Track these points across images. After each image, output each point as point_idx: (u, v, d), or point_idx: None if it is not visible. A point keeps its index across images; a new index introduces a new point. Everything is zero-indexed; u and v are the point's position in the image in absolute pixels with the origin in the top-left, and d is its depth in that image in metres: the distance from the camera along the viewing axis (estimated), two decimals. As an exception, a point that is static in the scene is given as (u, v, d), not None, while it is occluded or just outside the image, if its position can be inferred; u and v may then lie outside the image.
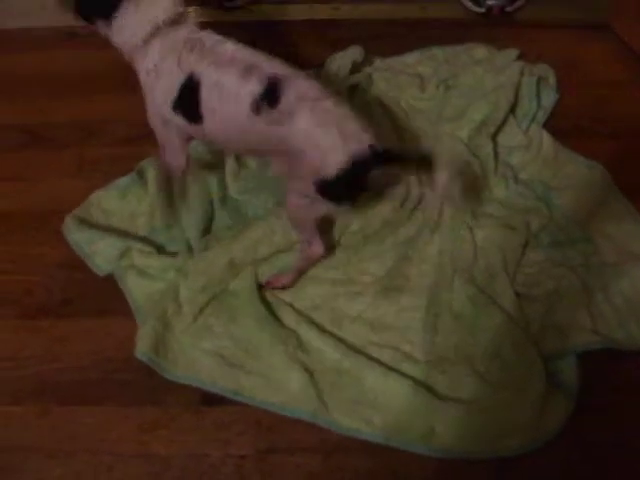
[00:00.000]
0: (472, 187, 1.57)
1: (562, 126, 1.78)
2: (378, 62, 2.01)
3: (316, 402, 1.18)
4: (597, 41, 2.13)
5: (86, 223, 1.50)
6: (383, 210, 1.50)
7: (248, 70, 1.18)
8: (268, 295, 1.36)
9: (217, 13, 2.30)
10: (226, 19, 2.30)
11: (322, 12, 2.29)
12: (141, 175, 1.61)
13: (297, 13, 2.29)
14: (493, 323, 1.28)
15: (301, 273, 1.38)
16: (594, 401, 1.18)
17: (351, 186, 1.22)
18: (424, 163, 1.22)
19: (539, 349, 1.23)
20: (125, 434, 1.18)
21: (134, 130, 1.74)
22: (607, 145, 1.72)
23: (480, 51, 2.03)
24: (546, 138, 1.71)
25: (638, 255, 1.39)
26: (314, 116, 1.16)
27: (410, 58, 2.04)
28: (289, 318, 1.31)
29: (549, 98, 1.85)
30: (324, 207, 1.26)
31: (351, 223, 1.50)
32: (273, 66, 1.20)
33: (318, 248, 1.35)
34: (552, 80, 1.92)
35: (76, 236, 1.48)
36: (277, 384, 1.21)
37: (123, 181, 1.60)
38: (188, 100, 1.22)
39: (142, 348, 1.26)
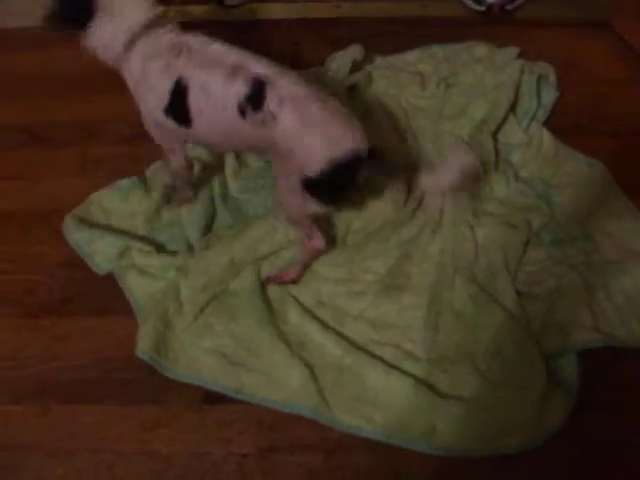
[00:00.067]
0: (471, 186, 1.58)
1: (562, 124, 1.78)
2: (379, 60, 2.01)
3: (317, 398, 1.18)
4: (597, 39, 2.13)
5: (86, 222, 1.50)
6: (385, 209, 1.50)
7: (234, 71, 1.18)
8: (273, 291, 1.36)
9: (217, 11, 2.30)
10: (226, 17, 2.30)
11: (323, 10, 2.29)
12: (144, 180, 1.61)
13: (298, 11, 2.29)
14: (494, 321, 1.28)
15: (306, 267, 1.39)
16: (595, 399, 1.18)
17: (334, 188, 1.23)
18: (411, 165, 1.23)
19: (540, 347, 1.23)
20: (126, 433, 1.18)
21: (135, 129, 1.72)
22: (607, 143, 1.72)
23: (480, 49, 2.03)
24: (546, 136, 1.71)
25: (639, 253, 1.39)
26: (297, 119, 1.16)
27: (410, 56, 2.04)
28: (294, 313, 1.31)
29: (549, 96, 1.85)
30: (313, 205, 1.26)
31: (354, 222, 1.51)
32: (259, 66, 1.19)
33: (318, 242, 1.35)
34: (552, 78, 1.92)
35: (76, 235, 1.48)
36: (278, 381, 1.21)
37: (126, 183, 1.60)
38: (178, 104, 1.23)
39: (143, 347, 1.25)
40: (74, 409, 1.22)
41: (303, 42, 2.16)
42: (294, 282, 1.38)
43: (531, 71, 1.90)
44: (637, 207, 1.51)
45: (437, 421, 1.14)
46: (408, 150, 1.68)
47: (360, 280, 1.39)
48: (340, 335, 1.28)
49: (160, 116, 1.27)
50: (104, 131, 1.82)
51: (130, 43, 1.23)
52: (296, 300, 1.35)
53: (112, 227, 1.51)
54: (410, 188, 1.55)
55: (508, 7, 2.21)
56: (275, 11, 2.30)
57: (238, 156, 1.64)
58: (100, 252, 1.44)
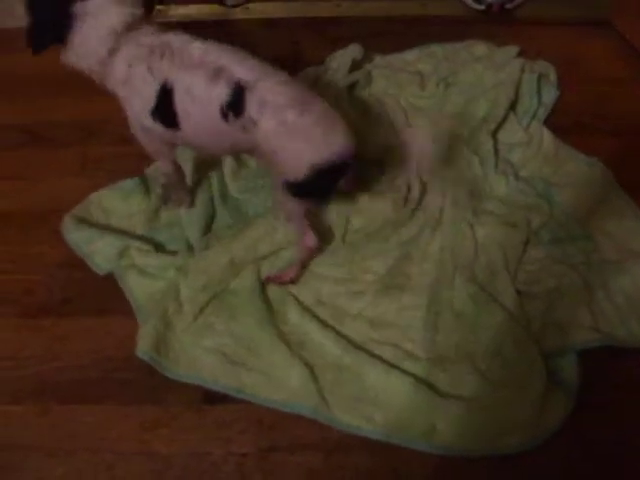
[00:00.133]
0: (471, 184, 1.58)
1: (563, 123, 1.78)
2: (378, 59, 2.01)
3: (317, 398, 1.18)
4: (598, 38, 2.12)
5: (85, 222, 1.50)
6: (385, 209, 1.50)
7: (217, 73, 1.17)
8: (272, 290, 1.36)
9: (217, 11, 2.30)
10: (226, 17, 2.30)
11: (323, 9, 2.29)
12: (145, 182, 1.61)
13: (298, 10, 2.29)
14: (494, 321, 1.28)
15: (304, 266, 1.39)
16: (595, 399, 1.18)
17: (320, 189, 1.25)
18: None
19: (540, 347, 1.23)
20: (126, 433, 1.18)
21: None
22: (608, 142, 1.72)
23: (480, 48, 2.02)
24: (546, 135, 1.70)
25: (639, 252, 1.39)
26: (277, 125, 1.16)
27: (410, 55, 2.04)
28: (293, 312, 1.31)
29: (550, 95, 1.85)
30: (296, 204, 1.28)
31: (354, 221, 1.50)
32: (241, 69, 1.17)
33: (310, 240, 1.35)
34: (553, 77, 1.91)
35: (75, 235, 1.48)
36: (278, 381, 1.21)
37: (127, 184, 1.60)
38: (165, 107, 1.22)
39: (143, 347, 1.26)
40: (74, 409, 1.22)
41: (303, 41, 2.16)
42: (293, 282, 1.38)
43: (531, 70, 1.89)
44: (638, 206, 1.50)
45: (437, 420, 1.14)
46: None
47: (360, 280, 1.39)
48: (340, 335, 1.28)
49: (147, 120, 1.26)
50: (104, 131, 1.82)
51: (114, 47, 1.21)
52: (296, 300, 1.35)
53: (111, 227, 1.51)
54: (410, 188, 1.55)
55: (508, 6, 2.21)
56: (275, 10, 2.30)
57: (237, 157, 1.64)
58: (100, 252, 1.44)
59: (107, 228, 1.50)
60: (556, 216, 1.50)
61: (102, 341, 1.31)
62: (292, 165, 1.18)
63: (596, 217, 1.48)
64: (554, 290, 1.33)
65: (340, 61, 1.95)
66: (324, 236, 1.46)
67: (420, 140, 1.27)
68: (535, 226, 1.47)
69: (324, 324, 1.30)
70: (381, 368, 1.21)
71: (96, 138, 1.81)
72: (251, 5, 2.30)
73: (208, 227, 1.52)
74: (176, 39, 1.22)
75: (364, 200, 1.52)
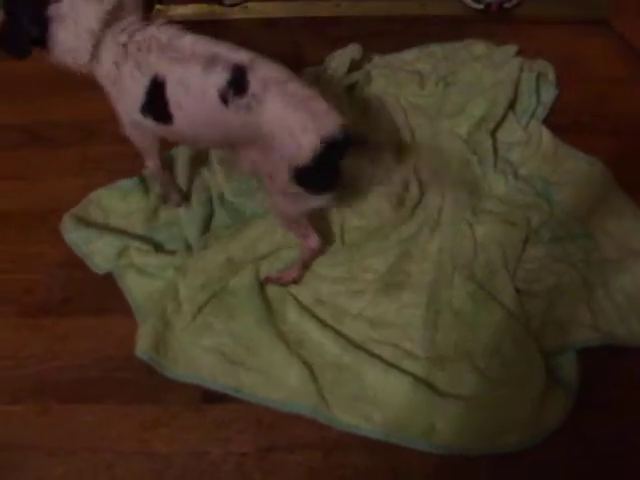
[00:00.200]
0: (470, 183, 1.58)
1: (562, 122, 1.78)
2: (377, 59, 2.01)
3: (316, 397, 1.18)
4: (597, 37, 2.12)
5: (84, 222, 1.50)
6: (385, 208, 1.50)
7: (211, 61, 1.16)
8: (272, 290, 1.36)
9: (217, 10, 2.30)
10: (225, 16, 2.30)
11: (322, 9, 2.29)
12: (144, 181, 1.61)
13: (297, 10, 2.29)
14: (493, 319, 1.28)
15: (305, 266, 1.39)
16: (595, 397, 1.18)
17: (327, 169, 1.19)
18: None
19: (539, 345, 1.23)
20: (126, 432, 1.18)
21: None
22: (607, 141, 1.72)
23: (479, 47, 2.03)
24: (545, 134, 1.71)
25: (638, 251, 1.39)
26: (283, 99, 1.14)
27: (409, 55, 2.04)
28: (292, 311, 1.31)
29: (549, 94, 1.85)
30: (307, 201, 1.24)
31: (353, 220, 1.51)
32: (237, 54, 1.17)
33: (313, 241, 1.35)
34: (551, 76, 1.92)
35: (74, 235, 1.48)
36: (277, 380, 1.21)
37: (126, 183, 1.60)
38: (156, 101, 1.21)
39: (142, 347, 1.26)
40: (74, 408, 1.22)
41: (302, 41, 2.16)
42: (295, 282, 1.38)
43: (530, 69, 1.89)
44: (637, 205, 1.50)
45: (436, 419, 1.14)
46: (406, 149, 1.69)
47: (359, 279, 1.39)
48: (339, 334, 1.28)
49: (138, 116, 1.25)
50: (104, 131, 1.82)
51: (96, 42, 1.20)
52: (295, 299, 1.35)
53: (110, 226, 1.52)
54: (409, 186, 1.55)
55: (506, 5, 2.21)
56: (274, 10, 2.30)
57: (227, 161, 1.62)
58: (99, 252, 1.44)
59: (106, 228, 1.50)
60: (556, 215, 1.50)
61: (102, 340, 1.32)
62: (299, 141, 1.14)
63: (596, 216, 1.48)
64: (554, 288, 1.33)
65: (339, 61, 1.95)
66: (324, 235, 1.46)
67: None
68: (535, 225, 1.47)
69: (323, 323, 1.30)
70: (380, 367, 1.21)
71: (96, 138, 1.81)
72: (250, 4, 2.30)
73: (207, 227, 1.51)
74: (163, 32, 1.21)
75: (363, 199, 1.52)
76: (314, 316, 1.31)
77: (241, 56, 1.17)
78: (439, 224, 1.47)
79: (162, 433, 1.18)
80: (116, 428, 1.19)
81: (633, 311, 1.28)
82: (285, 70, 1.19)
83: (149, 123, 1.26)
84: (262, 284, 1.37)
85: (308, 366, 1.22)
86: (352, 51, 1.97)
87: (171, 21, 1.26)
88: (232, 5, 2.30)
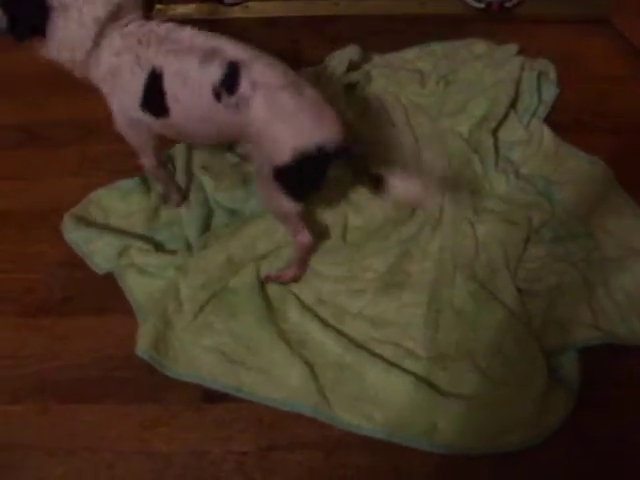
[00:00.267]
0: (472, 182, 1.58)
1: (563, 121, 1.78)
2: (376, 58, 2.01)
3: (317, 397, 1.18)
4: (597, 36, 2.12)
5: (84, 221, 1.50)
6: (385, 207, 1.50)
7: (209, 55, 1.16)
8: (272, 289, 1.36)
9: (217, 9, 2.30)
10: (226, 15, 2.30)
11: (322, 8, 2.29)
12: (145, 181, 1.61)
13: (297, 9, 2.29)
14: (494, 319, 1.28)
15: (302, 263, 1.38)
16: (596, 396, 1.18)
17: (304, 181, 1.21)
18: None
19: (541, 344, 1.23)
20: (126, 432, 1.18)
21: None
22: (608, 140, 1.72)
23: (480, 46, 2.03)
24: (547, 133, 1.70)
25: (639, 250, 1.39)
26: (268, 105, 1.14)
27: (410, 54, 2.04)
28: (293, 311, 1.31)
29: (550, 93, 1.85)
30: (285, 201, 1.24)
31: (354, 220, 1.50)
32: (235, 50, 1.17)
33: (304, 237, 1.34)
34: (552, 75, 1.92)
35: (74, 235, 1.48)
36: (278, 379, 1.21)
37: (126, 183, 1.60)
38: (154, 95, 1.20)
39: (143, 346, 1.25)
40: (74, 408, 1.22)
41: (302, 40, 2.16)
42: (295, 280, 1.38)
43: (531, 68, 1.89)
44: (637, 204, 1.50)
45: (438, 419, 1.14)
46: (405, 148, 1.68)
47: (360, 278, 1.39)
48: (340, 333, 1.28)
49: (136, 111, 1.25)
50: (103, 130, 1.80)
51: (99, 37, 1.19)
52: (296, 298, 1.34)
53: (111, 226, 1.51)
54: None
55: (507, 4, 2.21)
56: (274, 9, 2.30)
57: (213, 170, 1.62)
58: (99, 252, 1.44)
59: (106, 227, 1.50)
60: (557, 214, 1.50)
61: (102, 340, 1.31)
62: (277, 147, 1.15)
63: (597, 215, 1.48)
64: (555, 288, 1.33)
65: (338, 61, 1.95)
66: (324, 235, 1.46)
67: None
68: (536, 224, 1.47)
69: (325, 323, 1.30)
70: (381, 367, 1.21)
71: (95, 137, 1.81)
72: (250, 4, 2.30)
73: (206, 226, 1.51)
74: (161, 26, 1.21)
75: (364, 198, 1.52)
76: (316, 316, 1.31)
77: (240, 53, 1.16)
78: (440, 223, 1.47)
79: (162, 432, 1.17)
80: (116, 428, 1.18)
81: (633, 310, 1.28)
82: (282, 73, 1.17)
83: (147, 118, 1.25)
84: (263, 283, 1.37)
85: (309, 365, 1.22)
86: (351, 52, 1.97)
87: (171, 20, 1.26)
88: (232, 4, 2.30)
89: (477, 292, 1.32)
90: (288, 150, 1.14)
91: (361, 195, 1.53)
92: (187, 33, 1.19)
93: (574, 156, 1.65)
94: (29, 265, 1.48)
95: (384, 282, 1.37)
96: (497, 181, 1.59)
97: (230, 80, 1.14)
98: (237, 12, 2.31)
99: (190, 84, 1.17)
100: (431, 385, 1.19)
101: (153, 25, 1.21)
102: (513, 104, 1.78)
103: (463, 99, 1.80)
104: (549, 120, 1.78)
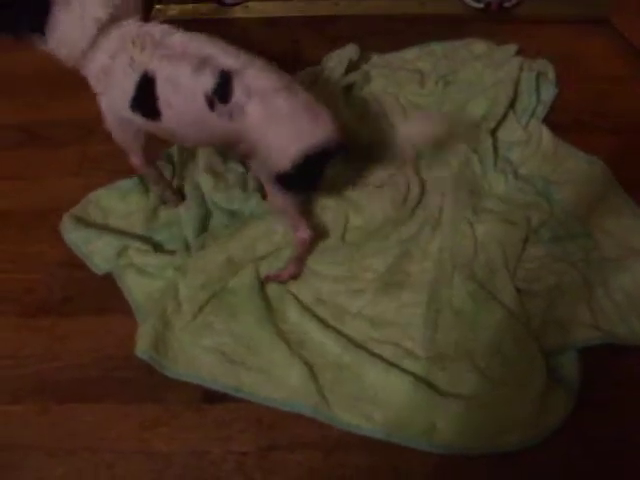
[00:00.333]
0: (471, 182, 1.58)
1: (562, 121, 1.78)
2: (375, 58, 2.01)
3: (317, 397, 1.18)
4: (597, 36, 2.12)
5: (83, 222, 1.50)
6: (385, 207, 1.50)
7: (202, 63, 1.15)
8: (272, 289, 1.36)
9: (216, 10, 2.30)
10: (225, 16, 2.30)
11: (321, 8, 2.29)
12: (144, 181, 1.61)
13: (297, 9, 2.29)
14: (494, 319, 1.28)
15: (302, 260, 1.39)
16: (595, 396, 1.18)
17: (308, 177, 1.22)
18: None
19: (540, 344, 1.23)
20: (126, 432, 1.18)
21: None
22: (607, 140, 1.72)
23: (479, 46, 2.03)
24: (546, 133, 1.70)
25: (638, 250, 1.39)
26: (265, 111, 1.15)
27: (409, 54, 2.04)
28: (293, 311, 1.31)
29: (548, 93, 1.85)
30: (287, 199, 1.26)
31: (354, 220, 1.50)
32: (227, 57, 1.17)
33: (303, 233, 1.34)
34: (551, 75, 1.92)
35: (73, 236, 1.48)
36: (278, 380, 1.21)
37: (125, 184, 1.60)
38: (145, 97, 1.20)
39: (142, 346, 1.25)
40: (74, 408, 1.22)
41: (302, 40, 2.16)
42: (295, 278, 1.38)
43: (530, 68, 1.89)
44: (637, 204, 1.50)
45: (437, 419, 1.14)
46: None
47: (360, 278, 1.39)
48: (340, 333, 1.28)
49: (127, 112, 1.25)
50: (103, 130, 1.80)
51: (97, 38, 1.19)
52: (295, 298, 1.34)
53: (110, 226, 1.51)
54: (409, 186, 1.55)
55: (506, 4, 2.21)
56: (274, 9, 2.30)
57: (213, 170, 1.61)
58: (98, 252, 1.44)
59: (105, 228, 1.50)
60: (556, 214, 1.49)
61: (102, 340, 1.31)
62: (279, 153, 1.16)
63: (596, 215, 1.48)
64: (554, 288, 1.33)
65: (337, 61, 1.95)
66: (324, 235, 1.46)
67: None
68: (535, 224, 1.46)
69: (324, 323, 1.30)
70: (381, 367, 1.21)
71: (95, 137, 1.80)
72: (250, 4, 2.30)
73: (204, 227, 1.51)
74: (157, 29, 1.21)
75: (364, 198, 1.52)
76: (315, 316, 1.31)
77: (232, 61, 1.16)
78: (440, 223, 1.47)
79: (162, 433, 1.17)
80: (116, 428, 1.18)
81: (633, 310, 1.28)
82: (275, 77, 1.18)
83: (137, 119, 1.25)
84: (262, 283, 1.37)
85: (309, 365, 1.22)
86: (350, 52, 1.97)
87: (170, 21, 1.26)
88: (232, 4, 2.30)
89: (476, 292, 1.32)
90: (290, 152, 1.15)
91: (361, 195, 1.53)
92: (178, 37, 1.19)
93: (573, 156, 1.65)
94: (29, 265, 1.48)
95: (384, 282, 1.37)
96: (496, 181, 1.59)
97: (223, 89, 1.14)
98: (237, 12, 2.31)
99: (182, 91, 1.17)
100: (430, 385, 1.19)
101: (150, 27, 1.22)
102: (512, 104, 1.78)
103: (463, 99, 1.80)
104: (549, 120, 1.77)
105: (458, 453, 1.12)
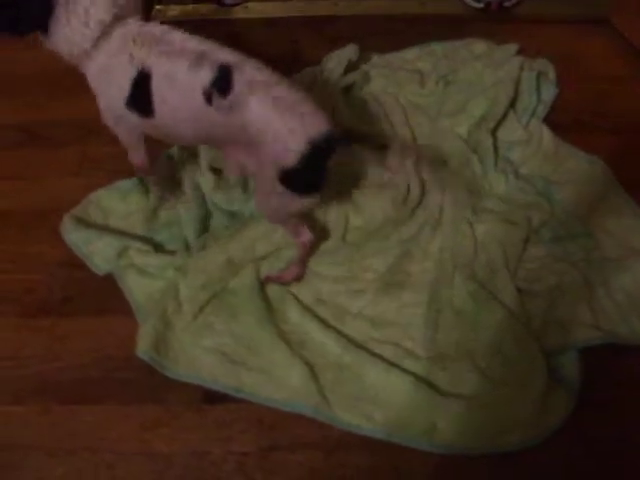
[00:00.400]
0: (471, 182, 1.58)
1: (563, 121, 1.77)
2: (375, 58, 2.01)
3: (317, 397, 1.18)
4: (597, 36, 2.12)
5: (83, 222, 1.50)
6: (385, 208, 1.50)
7: (199, 59, 1.15)
8: (272, 289, 1.36)
9: (216, 10, 2.30)
10: (225, 16, 2.30)
11: (321, 8, 2.29)
12: (144, 181, 1.60)
13: (296, 9, 2.29)
14: (494, 319, 1.28)
15: (304, 262, 1.38)
16: (596, 396, 1.18)
17: (313, 171, 1.19)
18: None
19: (541, 344, 1.23)
20: (126, 432, 1.18)
21: (133, 128, 1.73)
22: (608, 140, 1.72)
23: (479, 46, 2.02)
24: (546, 133, 1.70)
25: (639, 250, 1.39)
26: (268, 101, 1.13)
27: (409, 54, 2.03)
28: (293, 311, 1.31)
29: (549, 92, 1.85)
30: (293, 203, 1.23)
31: (354, 220, 1.50)
32: (224, 54, 1.17)
33: (305, 236, 1.34)
34: (552, 75, 1.91)
35: (73, 236, 1.48)
36: (278, 380, 1.21)
37: (126, 184, 1.59)
38: (140, 94, 1.20)
39: (143, 347, 1.25)
40: (74, 409, 1.22)
41: (302, 40, 2.16)
42: (298, 280, 1.38)
43: (530, 68, 1.89)
44: (637, 204, 1.50)
45: (437, 419, 1.14)
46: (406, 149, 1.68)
47: (360, 278, 1.39)
48: (340, 333, 1.27)
49: (122, 109, 1.24)
50: (103, 130, 1.79)
51: (99, 39, 1.19)
52: (296, 298, 1.34)
53: (110, 227, 1.51)
54: (409, 186, 1.55)
55: (506, 4, 2.21)
56: (274, 9, 2.30)
57: (212, 171, 1.60)
58: (99, 253, 1.44)
59: (106, 228, 1.50)
60: (556, 214, 1.49)
61: (103, 340, 1.31)
62: (285, 144, 1.14)
63: (596, 215, 1.48)
64: (555, 288, 1.33)
65: (336, 61, 1.94)
66: (324, 235, 1.46)
67: None
68: (535, 224, 1.46)
69: (325, 323, 1.30)
70: (381, 367, 1.21)
71: (95, 137, 1.80)
72: (250, 4, 2.30)
73: (204, 228, 1.51)
74: (157, 28, 1.21)
75: (364, 198, 1.52)
76: (316, 316, 1.31)
77: (229, 56, 1.17)
78: (440, 223, 1.47)
79: (163, 433, 1.17)
80: (117, 428, 1.18)
81: (634, 310, 1.28)
82: (273, 73, 1.18)
83: (132, 117, 1.25)
84: (263, 284, 1.37)
85: (309, 366, 1.21)
86: (349, 52, 1.97)
87: (170, 22, 1.26)
88: (232, 5, 2.30)
89: (477, 292, 1.32)
90: (296, 140, 1.13)
91: (361, 195, 1.53)
92: (178, 36, 1.19)
93: (573, 156, 1.65)
94: (29, 265, 1.48)
95: (384, 282, 1.37)
96: (496, 181, 1.59)
97: (222, 82, 1.14)
98: (237, 12, 2.31)
99: (178, 86, 1.17)
100: (431, 385, 1.19)
101: (150, 26, 1.22)
102: (512, 104, 1.78)
103: (463, 99, 1.80)
104: (549, 120, 1.77)
105: (459, 453, 1.12)
